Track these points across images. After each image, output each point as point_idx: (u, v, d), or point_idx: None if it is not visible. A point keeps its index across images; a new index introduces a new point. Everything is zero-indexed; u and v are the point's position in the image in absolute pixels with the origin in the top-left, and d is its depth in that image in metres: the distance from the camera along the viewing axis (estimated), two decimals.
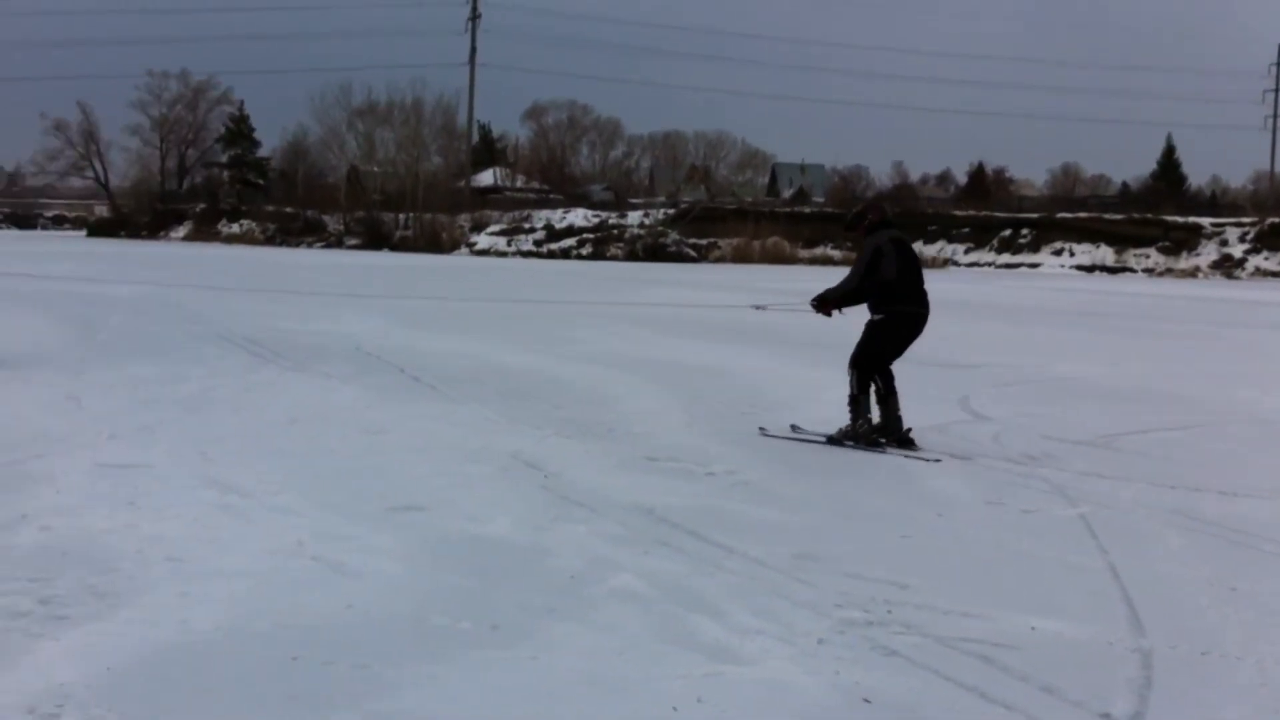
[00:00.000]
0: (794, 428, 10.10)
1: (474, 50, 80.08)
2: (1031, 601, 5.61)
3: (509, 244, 64.88)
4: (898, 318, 9.54)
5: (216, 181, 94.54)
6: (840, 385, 9.85)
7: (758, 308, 16.59)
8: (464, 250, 64.68)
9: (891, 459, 9.05)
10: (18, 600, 5.19)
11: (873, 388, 9.57)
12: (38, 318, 18.89)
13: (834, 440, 9.59)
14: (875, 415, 9.61)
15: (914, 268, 9.61)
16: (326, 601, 5.34)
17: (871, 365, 9.55)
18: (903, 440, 9.43)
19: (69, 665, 4.49)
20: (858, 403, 9.54)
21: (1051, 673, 4.68)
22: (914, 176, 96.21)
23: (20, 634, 4.80)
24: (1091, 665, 4.83)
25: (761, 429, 10.08)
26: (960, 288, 37.01)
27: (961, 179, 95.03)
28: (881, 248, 9.46)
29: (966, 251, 63.42)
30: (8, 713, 4.08)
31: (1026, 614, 5.40)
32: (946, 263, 61.91)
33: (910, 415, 9.66)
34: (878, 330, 9.59)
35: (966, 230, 65.01)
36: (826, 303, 9.81)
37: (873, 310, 9.65)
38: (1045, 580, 6.04)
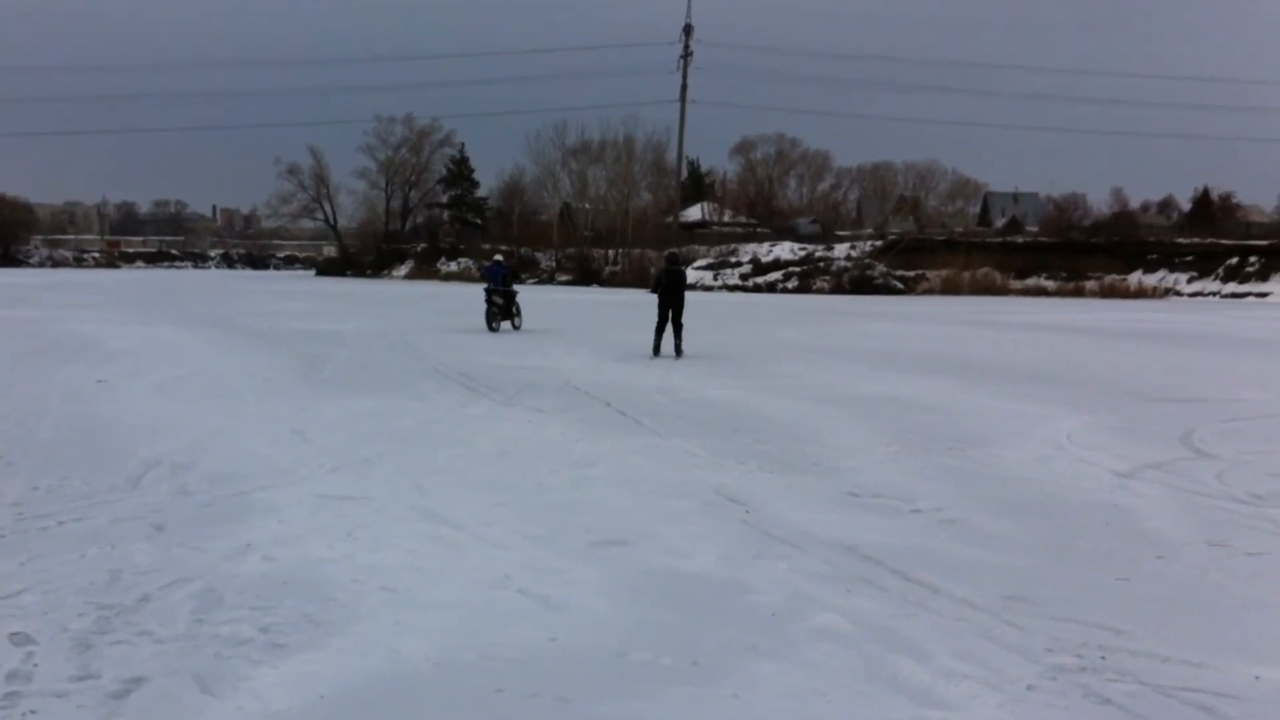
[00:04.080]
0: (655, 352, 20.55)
1: (684, 88, 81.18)
2: (1257, 649, 5.32)
3: (715, 278, 65.38)
4: (661, 303, 20.51)
5: (437, 221, 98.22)
6: (1052, 420, 12.00)
7: (651, 291, 21.43)
8: None
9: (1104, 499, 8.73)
10: (240, 628, 5.47)
11: (667, 329, 20.68)
12: (267, 355, 19.90)
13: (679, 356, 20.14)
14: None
15: (674, 283, 20.48)
16: (532, 634, 5.45)
17: (659, 319, 20.58)
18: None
19: (285, 693, 4.70)
20: (656, 333, 20.82)
21: None
22: (1134, 203, 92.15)
23: (242, 660, 5.05)
24: None
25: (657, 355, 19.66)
26: (1182, 319, 35.45)
27: (1185, 205, 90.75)
28: (660, 274, 20.81)
29: (1189, 281, 60.69)
30: None
31: (1251, 663, 5.13)
32: (1168, 292, 59.39)
33: (1128, 450, 9.84)
34: (658, 305, 20.54)
35: (1190, 259, 62.22)
36: (651, 289, 21.10)
37: (658, 298, 20.81)
38: (1272, 627, 5.72)
